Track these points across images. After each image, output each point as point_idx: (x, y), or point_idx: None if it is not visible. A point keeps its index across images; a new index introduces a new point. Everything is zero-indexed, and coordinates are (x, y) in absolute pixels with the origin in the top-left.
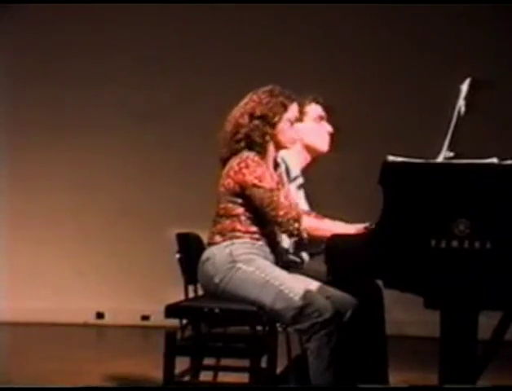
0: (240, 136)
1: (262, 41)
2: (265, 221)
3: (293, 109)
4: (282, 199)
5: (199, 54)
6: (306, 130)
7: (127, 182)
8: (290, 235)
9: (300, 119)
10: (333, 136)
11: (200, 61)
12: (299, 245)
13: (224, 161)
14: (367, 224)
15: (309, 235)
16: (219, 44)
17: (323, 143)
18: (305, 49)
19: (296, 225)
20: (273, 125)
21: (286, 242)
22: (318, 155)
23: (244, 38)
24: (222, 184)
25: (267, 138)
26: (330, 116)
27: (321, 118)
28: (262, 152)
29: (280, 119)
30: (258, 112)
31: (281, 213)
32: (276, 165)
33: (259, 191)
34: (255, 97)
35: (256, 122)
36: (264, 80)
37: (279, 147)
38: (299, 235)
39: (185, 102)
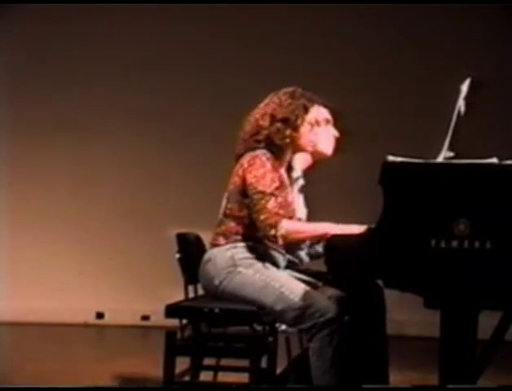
0: (260, 137)
1: (263, 42)
2: None
3: (314, 112)
4: (269, 205)
5: (199, 54)
6: None
7: (127, 181)
8: (269, 240)
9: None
10: (338, 140)
11: (200, 61)
12: (289, 249)
13: (238, 158)
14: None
15: (287, 240)
16: (220, 44)
17: (328, 147)
18: (304, 50)
19: (272, 231)
20: (295, 128)
21: None
22: (320, 159)
23: (245, 39)
24: (231, 182)
25: (288, 140)
26: (337, 120)
27: (327, 122)
28: (278, 153)
29: (302, 121)
30: (279, 115)
31: (262, 217)
32: (289, 168)
33: (252, 191)
34: (275, 98)
35: (278, 125)
36: (265, 81)
37: (297, 149)
38: (276, 241)
39: (185, 102)
